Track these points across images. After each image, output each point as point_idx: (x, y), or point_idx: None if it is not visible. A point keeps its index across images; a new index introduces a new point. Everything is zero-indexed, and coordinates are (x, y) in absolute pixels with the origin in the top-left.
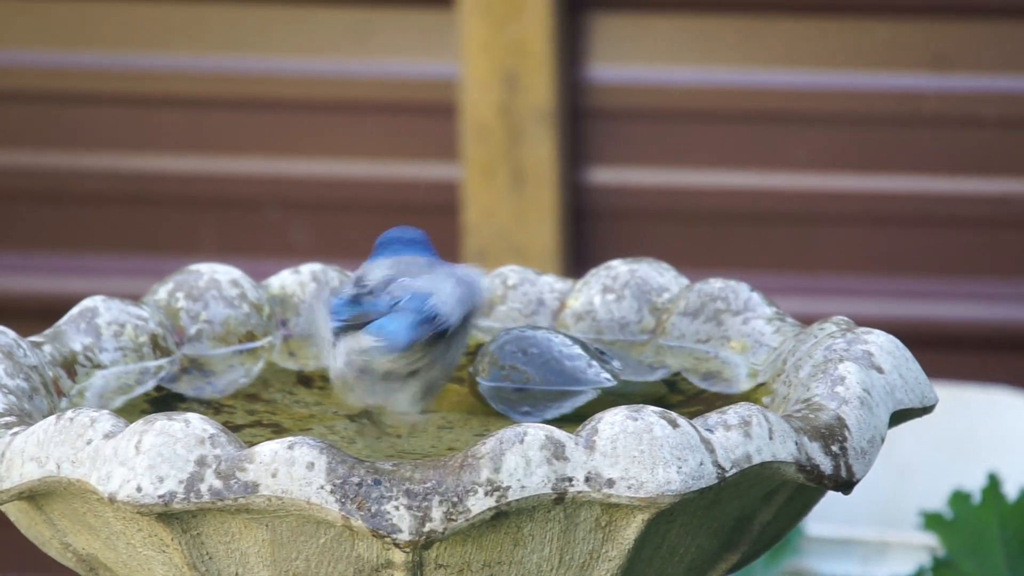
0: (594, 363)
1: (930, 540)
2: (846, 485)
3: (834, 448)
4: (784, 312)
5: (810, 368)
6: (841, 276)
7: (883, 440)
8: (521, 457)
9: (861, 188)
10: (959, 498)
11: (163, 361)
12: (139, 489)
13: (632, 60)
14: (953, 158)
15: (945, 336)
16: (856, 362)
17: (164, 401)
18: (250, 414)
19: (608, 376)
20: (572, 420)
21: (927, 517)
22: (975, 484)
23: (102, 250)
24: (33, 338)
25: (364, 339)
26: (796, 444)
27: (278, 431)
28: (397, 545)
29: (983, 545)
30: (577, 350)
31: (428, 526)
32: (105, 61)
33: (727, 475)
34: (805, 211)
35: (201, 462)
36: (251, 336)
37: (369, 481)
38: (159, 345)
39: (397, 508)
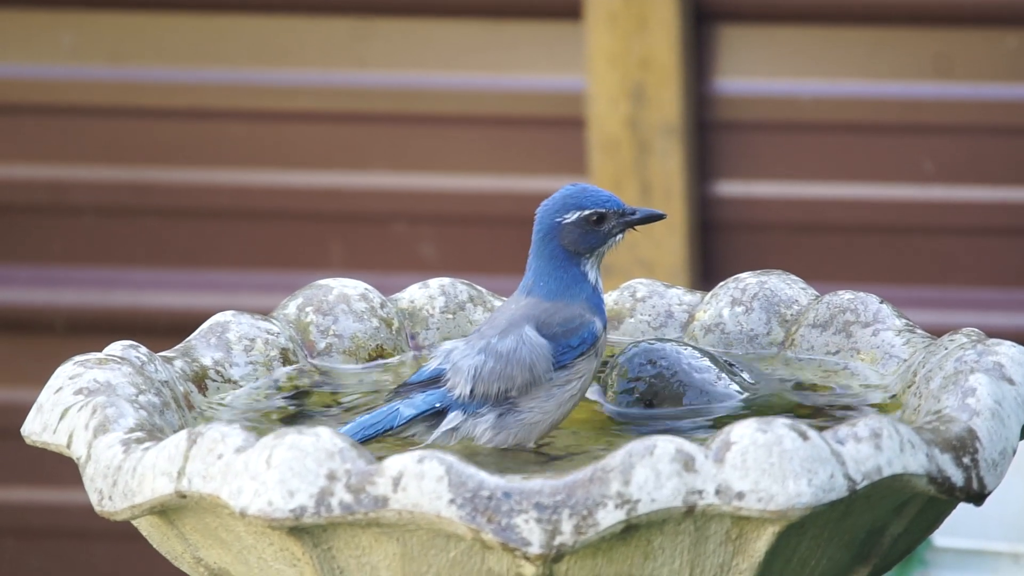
0: (723, 375)
1: None
2: (978, 497)
3: (965, 460)
4: (914, 324)
5: (940, 380)
6: (970, 288)
7: (1015, 452)
8: (651, 470)
9: (989, 199)
10: None
11: (291, 369)
12: (270, 503)
13: (758, 72)
14: None
15: None
16: (987, 374)
17: (295, 416)
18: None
19: (738, 389)
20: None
21: None
22: None
23: (232, 266)
24: (164, 353)
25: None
26: (927, 456)
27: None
28: (527, 558)
29: None
30: (706, 362)
31: (558, 539)
32: (235, 77)
33: (858, 487)
34: (933, 223)
35: (331, 476)
36: (380, 350)
37: (499, 495)
38: (289, 359)
39: (527, 521)
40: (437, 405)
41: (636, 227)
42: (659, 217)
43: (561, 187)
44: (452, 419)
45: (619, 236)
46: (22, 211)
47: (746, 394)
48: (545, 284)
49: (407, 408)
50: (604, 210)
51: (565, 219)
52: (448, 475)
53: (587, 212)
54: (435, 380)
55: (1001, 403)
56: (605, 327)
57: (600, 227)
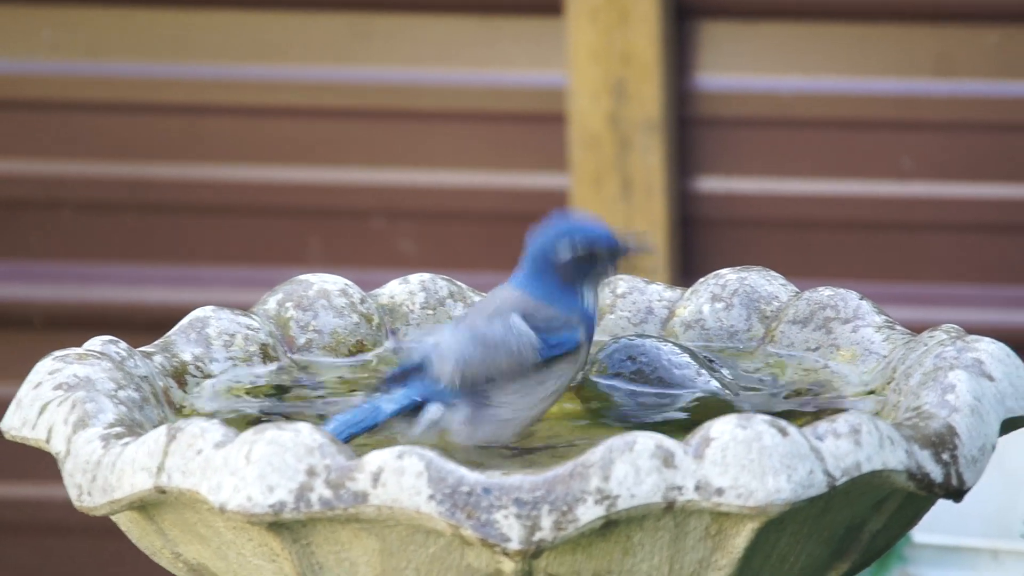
0: (703, 371)
1: None
2: (957, 493)
3: (945, 456)
4: (894, 320)
5: (920, 376)
6: (950, 284)
7: (994, 448)
8: (631, 466)
9: (969, 195)
10: None
11: (273, 367)
12: (249, 499)
13: (739, 68)
14: None
15: None
16: (966, 370)
17: (275, 410)
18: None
19: (718, 385)
20: (681, 428)
21: None
22: None
23: (211, 261)
24: (144, 348)
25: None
26: (906, 452)
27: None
28: (507, 554)
29: None
30: (686, 358)
31: (538, 535)
32: (215, 73)
33: (837, 483)
34: (913, 219)
35: (311, 472)
36: (361, 345)
37: (479, 490)
38: (269, 355)
39: (507, 517)
40: (416, 399)
41: (625, 259)
42: (648, 252)
43: (551, 217)
44: (432, 412)
45: (611, 268)
46: (0, 206)
47: (727, 391)
48: (536, 287)
49: (388, 404)
50: (595, 249)
51: (558, 257)
52: (428, 471)
53: (579, 250)
54: (417, 370)
55: (980, 399)
56: (590, 341)
57: (593, 261)
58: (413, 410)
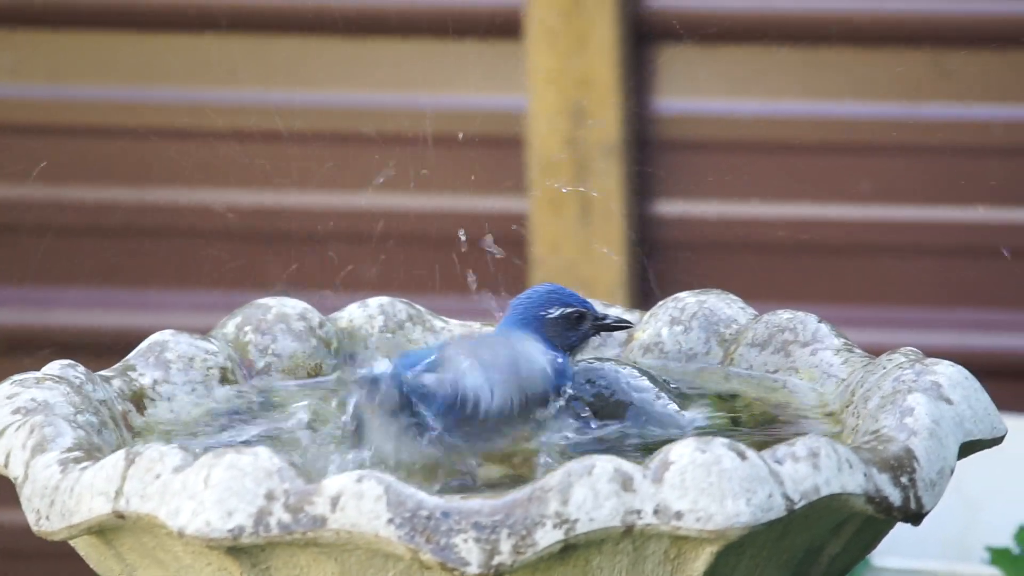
0: (663, 395)
1: (997, 575)
2: (915, 516)
3: (903, 479)
4: (852, 343)
5: (879, 399)
6: (909, 307)
7: (952, 471)
8: (589, 489)
9: (927, 218)
10: None
11: (232, 391)
12: (208, 523)
13: (697, 92)
14: (1020, 188)
15: (1014, 367)
16: (925, 393)
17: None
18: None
19: (676, 408)
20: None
21: (994, 553)
22: None
23: (171, 285)
24: (102, 372)
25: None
26: (865, 475)
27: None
28: None
29: None
30: (645, 382)
31: (497, 559)
32: (175, 96)
33: (796, 507)
34: (872, 242)
35: (270, 496)
36: (319, 369)
37: (438, 514)
38: (228, 378)
39: (466, 541)
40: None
41: (604, 332)
42: (628, 325)
43: (535, 285)
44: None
45: (592, 336)
46: None
47: (688, 415)
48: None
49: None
50: (585, 310)
51: (549, 314)
52: (387, 495)
53: (570, 310)
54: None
55: (939, 423)
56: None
57: (579, 327)
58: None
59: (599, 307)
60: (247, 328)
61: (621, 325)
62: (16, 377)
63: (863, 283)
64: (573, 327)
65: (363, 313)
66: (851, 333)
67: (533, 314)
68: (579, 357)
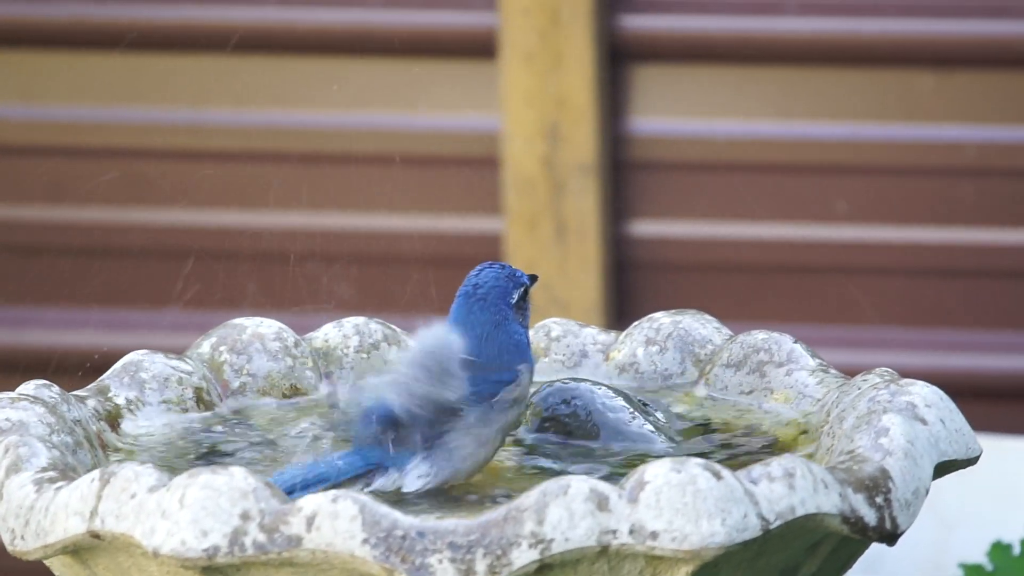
0: (637, 415)
1: None
2: (890, 537)
3: (878, 500)
4: (828, 363)
5: (854, 420)
6: (884, 328)
7: (927, 491)
8: (565, 509)
9: (903, 239)
10: (999, 549)
11: (208, 414)
12: (183, 543)
13: (673, 112)
14: (994, 209)
15: (988, 387)
16: (900, 413)
17: (209, 454)
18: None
19: (651, 429)
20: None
21: (967, 569)
22: (1017, 535)
23: (146, 305)
24: (77, 392)
25: None
26: (840, 496)
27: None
28: None
29: None
30: (620, 402)
31: None
32: (147, 116)
33: (771, 527)
34: (848, 262)
35: (245, 516)
36: (295, 389)
37: (413, 534)
38: (203, 399)
39: (441, 561)
40: (370, 463)
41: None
42: (534, 279)
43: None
44: (387, 478)
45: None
46: None
47: (660, 434)
48: (473, 328)
49: (342, 465)
50: (528, 289)
51: (513, 298)
52: (362, 514)
53: (524, 287)
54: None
55: (914, 443)
56: (531, 374)
57: (526, 303)
58: (367, 473)
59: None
60: (222, 348)
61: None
62: None
63: (838, 303)
64: (522, 304)
65: (338, 333)
66: (826, 353)
67: (504, 304)
68: (554, 378)
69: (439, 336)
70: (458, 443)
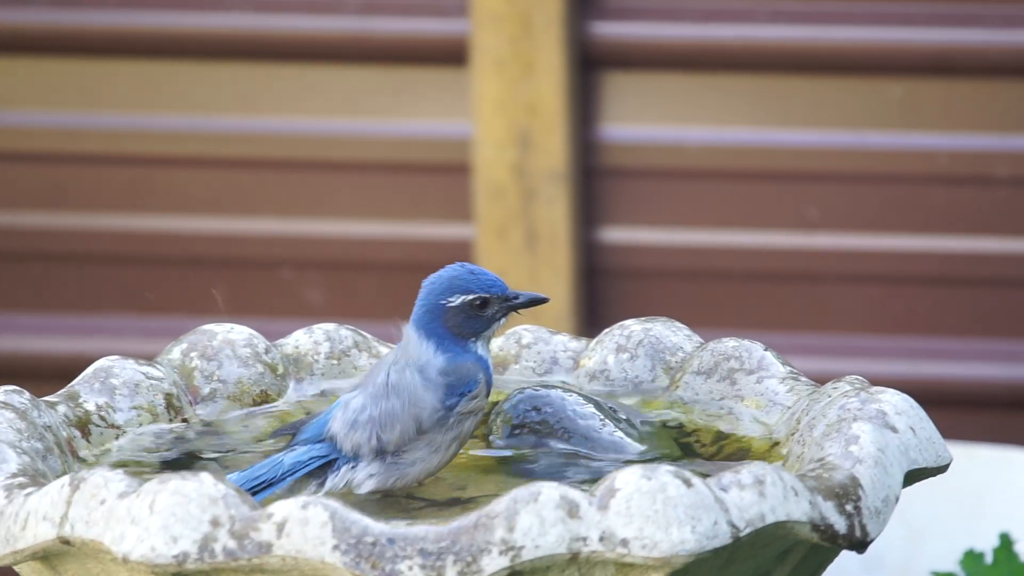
0: (608, 422)
1: None
2: (860, 545)
3: (848, 507)
4: (798, 371)
5: (824, 427)
6: (854, 335)
7: (897, 499)
8: (535, 516)
9: (873, 247)
10: (971, 558)
11: (178, 424)
12: (153, 549)
13: (644, 119)
14: (966, 217)
15: (959, 395)
16: (870, 421)
17: (179, 460)
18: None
19: (622, 436)
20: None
21: None
22: (988, 544)
23: (116, 311)
24: (48, 398)
25: None
26: (810, 503)
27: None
28: None
29: None
30: (591, 409)
31: None
32: (121, 122)
33: (741, 534)
34: (818, 270)
35: (215, 522)
36: (265, 395)
37: (383, 541)
38: (173, 404)
39: (411, 568)
40: (322, 457)
41: (519, 311)
42: (542, 301)
43: (447, 265)
44: (341, 472)
45: (502, 320)
46: None
47: (631, 440)
48: (431, 335)
49: (291, 461)
50: (488, 295)
51: (449, 302)
52: (332, 521)
53: (471, 297)
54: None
55: (884, 451)
56: (489, 386)
57: (484, 312)
58: (320, 469)
59: (546, 333)
60: (193, 354)
61: (533, 302)
62: None
63: (809, 311)
64: (477, 313)
65: (309, 339)
66: (797, 361)
67: (434, 303)
68: (524, 384)
69: (406, 350)
70: (413, 452)
